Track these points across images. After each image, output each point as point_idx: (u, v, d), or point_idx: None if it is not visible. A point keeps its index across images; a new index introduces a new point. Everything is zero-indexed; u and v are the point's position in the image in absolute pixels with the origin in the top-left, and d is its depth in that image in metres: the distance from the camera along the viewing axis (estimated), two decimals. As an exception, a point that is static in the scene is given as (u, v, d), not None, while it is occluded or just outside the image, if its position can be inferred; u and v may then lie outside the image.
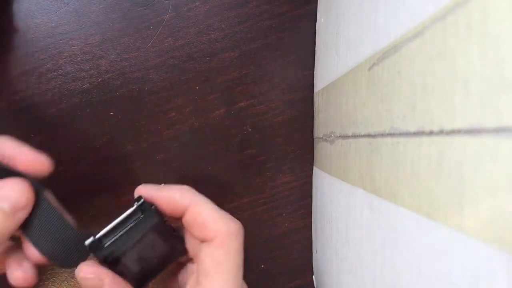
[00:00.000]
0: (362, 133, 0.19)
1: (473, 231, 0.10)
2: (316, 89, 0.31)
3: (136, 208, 0.20)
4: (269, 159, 0.32)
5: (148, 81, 0.29)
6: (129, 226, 0.20)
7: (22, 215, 0.18)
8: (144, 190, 0.21)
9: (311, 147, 0.32)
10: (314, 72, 0.31)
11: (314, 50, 0.31)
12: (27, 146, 0.20)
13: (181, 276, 0.23)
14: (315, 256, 0.32)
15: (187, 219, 0.21)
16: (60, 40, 0.28)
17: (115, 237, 0.20)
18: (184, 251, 0.21)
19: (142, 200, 0.20)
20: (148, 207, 0.20)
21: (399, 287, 0.15)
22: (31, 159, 0.20)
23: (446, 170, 0.12)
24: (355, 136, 0.21)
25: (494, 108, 0.09)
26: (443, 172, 0.12)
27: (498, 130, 0.09)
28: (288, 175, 0.32)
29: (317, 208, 0.31)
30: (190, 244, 0.21)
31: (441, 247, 0.12)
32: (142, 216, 0.20)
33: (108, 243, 0.20)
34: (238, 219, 0.32)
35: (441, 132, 0.12)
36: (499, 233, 0.09)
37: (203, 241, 0.20)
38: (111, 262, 0.20)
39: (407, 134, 0.14)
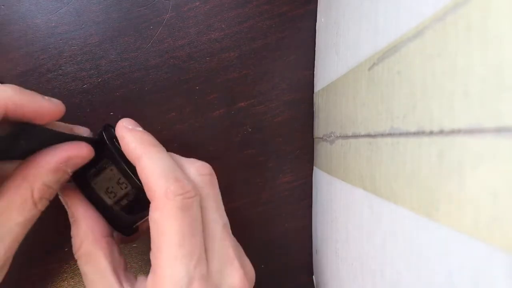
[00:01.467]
0: (362, 133, 0.19)
1: (473, 231, 0.10)
2: (316, 89, 0.31)
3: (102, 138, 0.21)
4: (269, 159, 0.32)
5: (148, 81, 0.29)
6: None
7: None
8: (119, 127, 0.21)
9: (311, 147, 0.32)
10: (314, 72, 0.31)
11: (314, 50, 0.31)
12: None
13: None
14: (315, 256, 0.32)
15: (139, 173, 0.19)
16: (60, 40, 0.28)
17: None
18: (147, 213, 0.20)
19: (110, 132, 0.21)
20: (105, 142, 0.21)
21: (399, 287, 0.15)
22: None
23: (446, 170, 0.12)
24: (355, 136, 0.21)
25: (494, 108, 0.09)
26: (443, 172, 0.12)
27: (498, 130, 0.09)
28: (288, 175, 0.32)
29: (317, 208, 0.31)
30: None
31: (441, 247, 0.12)
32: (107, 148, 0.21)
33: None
34: (238, 219, 0.32)
35: (441, 132, 0.12)
36: (499, 233, 0.09)
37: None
38: (84, 186, 0.21)
39: (407, 134, 0.14)
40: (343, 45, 0.23)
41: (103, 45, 0.28)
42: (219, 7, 0.29)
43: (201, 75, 0.30)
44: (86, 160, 0.20)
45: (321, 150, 0.29)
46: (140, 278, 0.21)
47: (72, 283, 0.31)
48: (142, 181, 0.19)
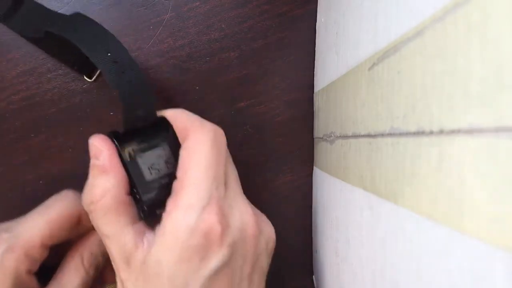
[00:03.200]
0: (362, 133, 0.19)
1: (473, 231, 0.10)
2: (316, 89, 0.31)
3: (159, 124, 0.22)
4: (269, 159, 0.32)
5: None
6: (150, 137, 0.22)
7: None
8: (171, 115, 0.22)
9: (311, 147, 0.32)
10: (314, 72, 0.31)
11: (314, 50, 0.31)
12: None
13: None
14: (315, 256, 0.32)
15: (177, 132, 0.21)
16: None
17: (136, 137, 0.21)
18: None
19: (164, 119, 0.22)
20: (167, 126, 0.22)
21: (399, 287, 0.15)
22: None
23: (446, 170, 0.12)
24: (355, 136, 0.21)
25: (494, 108, 0.09)
26: (443, 172, 0.12)
27: (498, 130, 0.09)
28: (288, 175, 0.32)
29: (317, 208, 0.31)
30: None
31: (441, 247, 0.12)
32: (162, 132, 0.22)
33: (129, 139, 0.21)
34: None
35: (441, 132, 0.12)
36: (499, 233, 0.09)
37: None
38: (128, 156, 0.21)
39: (407, 134, 0.14)
40: (343, 45, 0.23)
41: (103, 45, 0.28)
42: (219, 7, 0.29)
43: (201, 75, 0.30)
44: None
45: (321, 150, 0.29)
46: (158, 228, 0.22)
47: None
48: (179, 132, 0.21)
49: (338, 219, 0.24)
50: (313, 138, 0.32)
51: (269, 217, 0.33)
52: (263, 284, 0.23)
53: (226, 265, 0.20)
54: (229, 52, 0.30)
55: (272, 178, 0.32)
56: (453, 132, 0.11)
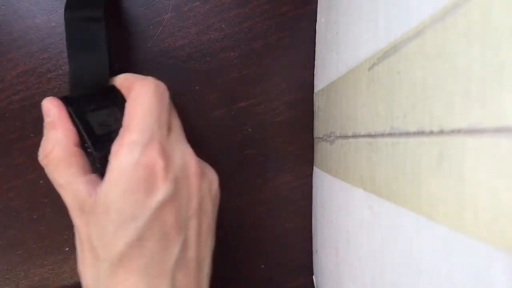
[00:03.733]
0: (362, 133, 0.19)
1: (473, 231, 0.10)
2: (316, 89, 0.31)
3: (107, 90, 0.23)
4: (269, 159, 0.32)
5: (148, 81, 0.29)
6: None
7: None
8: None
9: (311, 147, 0.32)
10: (314, 72, 0.31)
11: (314, 50, 0.31)
12: None
13: None
14: (315, 256, 0.32)
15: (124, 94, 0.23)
16: (60, 40, 0.28)
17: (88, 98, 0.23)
18: None
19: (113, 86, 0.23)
20: (117, 91, 0.23)
21: (399, 287, 0.15)
22: None
23: (446, 170, 0.12)
24: (355, 136, 0.21)
25: (494, 108, 0.09)
26: (443, 172, 0.12)
27: (498, 130, 0.09)
28: (288, 175, 0.32)
29: (317, 208, 0.31)
30: None
31: (441, 247, 0.12)
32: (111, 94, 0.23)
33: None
34: (238, 219, 0.32)
35: (441, 132, 0.12)
36: (499, 233, 0.09)
37: None
38: (78, 114, 0.22)
39: (407, 134, 0.14)
40: (343, 45, 0.23)
41: (103, 45, 0.28)
42: (219, 7, 0.29)
43: (201, 75, 0.30)
44: None
45: (321, 150, 0.29)
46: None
47: (72, 283, 0.31)
48: (125, 87, 0.23)
49: (338, 219, 0.24)
50: (313, 138, 0.32)
51: (269, 217, 0.33)
52: (211, 230, 0.23)
53: (171, 199, 0.20)
54: (229, 52, 0.30)
55: (272, 178, 0.32)
56: (453, 132, 0.11)
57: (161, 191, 0.20)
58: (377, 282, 0.17)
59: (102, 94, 0.24)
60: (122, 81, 0.23)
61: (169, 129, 0.22)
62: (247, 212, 0.32)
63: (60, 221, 0.30)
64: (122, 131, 0.21)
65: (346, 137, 0.22)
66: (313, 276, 0.33)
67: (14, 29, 0.27)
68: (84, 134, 0.22)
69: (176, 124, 0.23)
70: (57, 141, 0.21)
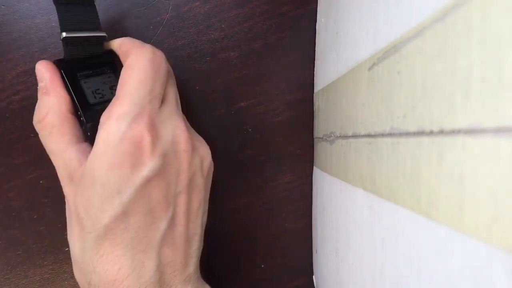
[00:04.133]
0: (362, 133, 0.19)
1: (473, 231, 0.10)
2: (316, 89, 0.31)
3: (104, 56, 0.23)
4: (269, 159, 0.32)
5: (148, 81, 0.29)
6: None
7: None
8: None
9: (311, 147, 0.32)
10: (314, 72, 0.31)
11: (314, 50, 0.31)
12: None
13: None
14: (315, 256, 0.32)
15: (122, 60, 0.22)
16: (60, 40, 0.28)
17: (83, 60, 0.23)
18: None
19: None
20: (113, 56, 0.23)
21: (399, 286, 0.15)
22: None
23: (446, 170, 0.12)
24: (355, 136, 0.21)
25: (494, 108, 0.09)
26: (443, 172, 0.12)
27: (498, 130, 0.09)
28: (288, 175, 0.32)
29: (317, 208, 0.31)
30: None
31: (441, 247, 0.12)
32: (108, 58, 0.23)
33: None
34: (238, 219, 0.32)
35: (441, 132, 0.12)
36: (499, 233, 0.09)
37: None
38: (72, 80, 0.22)
39: (407, 134, 0.14)
40: (343, 45, 0.23)
41: (103, 45, 0.28)
42: (219, 7, 0.29)
43: (201, 75, 0.30)
44: None
45: (321, 150, 0.29)
46: None
47: (73, 283, 0.31)
48: (122, 52, 0.22)
49: (338, 219, 0.24)
50: (313, 138, 0.32)
51: (269, 217, 0.33)
52: (203, 206, 0.23)
53: (158, 175, 0.20)
54: (229, 52, 0.30)
55: (272, 178, 0.32)
56: (453, 132, 0.11)
57: (147, 166, 0.20)
58: (377, 282, 0.17)
59: (98, 58, 0.23)
60: (119, 45, 0.23)
61: (163, 100, 0.22)
62: (247, 212, 0.32)
63: (60, 221, 0.30)
64: (112, 102, 0.20)
65: (346, 137, 0.22)
66: (313, 276, 0.33)
67: (14, 29, 0.27)
68: (76, 102, 0.22)
69: (172, 95, 0.22)
70: (51, 107, 0.21)
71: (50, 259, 0.30)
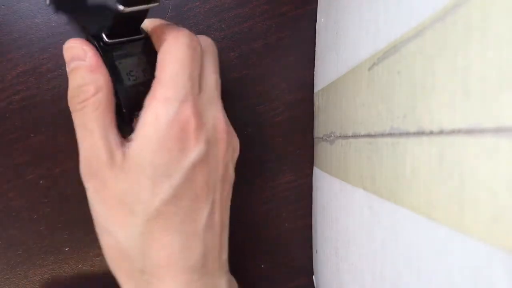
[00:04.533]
0: (362, 133, 0.19)
1: (473, 231, 0.10)
2: (316, 89, 0.31)
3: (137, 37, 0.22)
4: (269, 159, 0.32)
5: (148, 81, 0.29)
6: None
7: None
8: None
9: (311, 147, 0.32)
10: (314, 72, 0.31)
11: (314, 50, 0.31)
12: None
13: None
14: (315, 256, 0.32)
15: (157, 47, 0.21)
16: (60, 40, 0.28)
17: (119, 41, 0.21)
18: None
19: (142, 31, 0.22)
20: (144, 36, 0.22)
21: (399, 286, 0.15)
22: None
23: (446, 170, 0.12)
24: (355, 136, 0.21)
25: (494, 108, 0.09)
26: (443, 172, 0.12)
27: (498, 130, 0.09)
28: (288, 175, 0.32)
29: (317, 208, 0.31)
30: None
31: (441, 247, 0.12)
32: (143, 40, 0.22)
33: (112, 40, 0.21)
34: (237, 218, 0.32)
35: (441, 132, 0.12)
36: (499, 233, 0.09)
37: None
38: (109, 60, 0.21)
39: (407, 134, 0.14)
40: (343, 45, 0.23)
41: (103, 45, 0.28)
42: (219, 7, 0.29)
43: (201, 75, 0.30)
44: None
45: (321, 150, 0.29)
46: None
47: (73, 283, 0.31)
48: (156, 35, 0.21)
49: (338, 219, 0.24)
50: (313, 138, 0.32)
51: (269, 217, 0.33)
52: (230, 196, 0.24)
53: (203, 161, 0.20)
54: (229, 52, 0.30)
55: (272, 178, 0.32)
56: (453, 132, 0.11)
57: (194, 151, 0.20)
58: (377, 282, 0.17)
59: (129, 39, 0.22)
60: (152, 27, 0.22)
61: (202, 87, 0.21)
62: (247, 212, 0.32)
63: (60, 221, 0.30)
64: (154, 85, 0.20)
65: (346, 137, 0.22)
66: (313, 276, 0.33)
67: (14, 29, 0.27)
68: (115, 84, 0.21)
69: (212, 81, 0.22)
70: (100, 85, 0.20)
71: (50, 259, 0.30)
